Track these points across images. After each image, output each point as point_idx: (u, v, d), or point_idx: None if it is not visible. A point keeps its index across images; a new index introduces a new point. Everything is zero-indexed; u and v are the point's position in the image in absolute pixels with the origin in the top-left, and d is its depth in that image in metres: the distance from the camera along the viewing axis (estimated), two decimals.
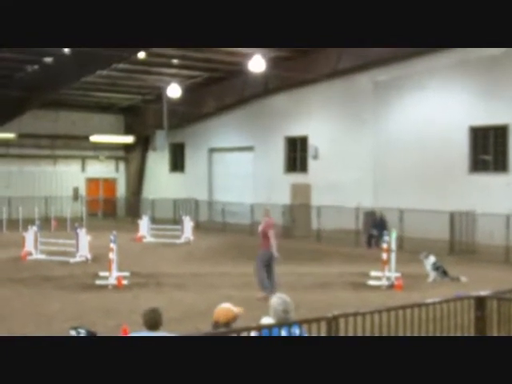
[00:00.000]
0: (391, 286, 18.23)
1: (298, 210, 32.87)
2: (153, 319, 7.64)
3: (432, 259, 19.63)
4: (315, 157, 34.36)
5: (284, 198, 34.50)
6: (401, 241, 24.27)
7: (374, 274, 19.41)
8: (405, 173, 29.97)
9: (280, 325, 7.17)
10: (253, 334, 7.03)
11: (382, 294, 17.29)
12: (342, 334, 7.32)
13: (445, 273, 19.46)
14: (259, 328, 7.14)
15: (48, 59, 30.73)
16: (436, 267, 19.49)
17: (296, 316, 7.63)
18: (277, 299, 7.55)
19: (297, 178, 35.44)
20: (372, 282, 18.82)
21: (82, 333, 8.18)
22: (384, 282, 18.45)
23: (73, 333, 8.44)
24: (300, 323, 7.41)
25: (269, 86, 35.36)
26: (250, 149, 38.24)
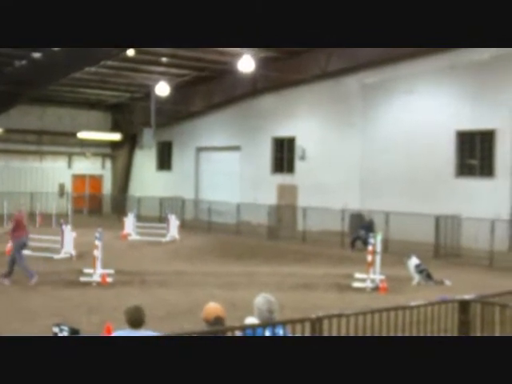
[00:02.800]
0: (376, 289, 18.26)
1: (284, 211, 32.90)
2: (135, 317, 7.62)
3: (415, 261, 19.65)
4: (302, 158, 34.40)
5: (270, 198, 34.53)
6: (386, 243, 24.34)
7: (358, 275, 19.44)
8: (391, 175, 30.06)
9: (264, 325, 7.16)
10: (237, 333, 7.02)
11: (366, 296, 17.32)
12: (325, 335, 7.31)
13: (429, 276, 19.51)
14: (243, 328, 7.12)
15: (37, 54, 30.55)
16: (420, 270, 19.52)
17: (280, 316, 7.63)
18: (261, 299, 7.53)
19: (283, 178, 35.47)
20: (357, 284, 18.84)
21: (65, 330, 8.11)
22: (368, 284, 18.49)
23: (56, 330, 8.36)
24: (284, 324, 7.41)
25: (257, 86, 35.38)
26: (237, 148, 38.24)
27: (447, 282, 19.27)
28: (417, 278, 19.40)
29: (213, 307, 7.70)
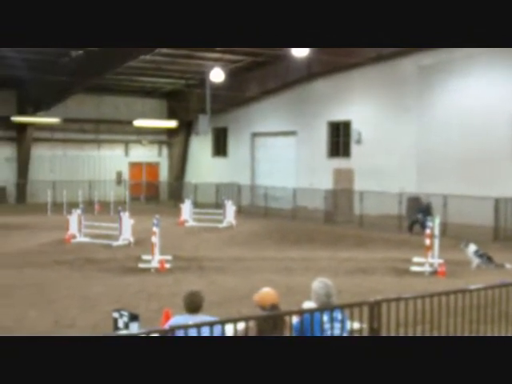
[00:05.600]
0: (434, 273, 18.07)
1: (341, 195, 32.69)
2: (194, 303, 7.67)
3: (472, 248, 19.36)
4: (358, 141, 34.17)
5: (327, 182, 34.38)
6: (444, 227, 24.04)
7: (416, 260, 19.26)
8: (448, 158, 29.66)
9: (322, 309, 7.15)
10: (295, 318, 7.03)
11: (424, 280, 17.15)
12: (384, 319, 7.26)
13: (489, 259, 19.20)
14: (301, 312, 7.13)
15: None
16: (479, 255, 19.24)
17: (338, 301, 7.60)
18: (319, 283, 7.51)
19: (339, 162, 35.28)
20: (415, 268, 18.67)
21: (125, 315, 8.23)
22: (427, 268, 18.30)
23: (116, 315, 8.49)
24: (342, 308, 7.39)
25: (312, 71, 35.19)
26: (292, 133, 38.13)
27: (508, 266, 18.95)
28: (476, 261, 19.11)
29: (268, 294, 7.69)
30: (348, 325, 7.39)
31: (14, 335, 8.95)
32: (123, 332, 8.05)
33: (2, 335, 10.18)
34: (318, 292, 7.44)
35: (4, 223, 29.24)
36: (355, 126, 34.31)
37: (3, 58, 31.92)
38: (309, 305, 7.73)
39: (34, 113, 39.29)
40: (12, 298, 14.97)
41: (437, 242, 18.73)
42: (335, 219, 30.43)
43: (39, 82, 36.61)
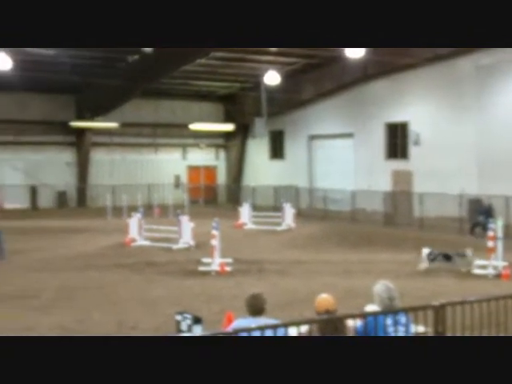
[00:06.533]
0: (498, 275, 17.75)
1: (400, 197, 32.41)
2: (256, 305, 7.65)
3: (425, 251, 19.22)
4: (416, 143, 33.79)
5: (385, 184, 34.10)
6: (507, 229, 23.56)
7: (479, 262, 18.93)
8: (510, 159, 29.09)
9: (386, 312, 7.07)
10: (358, 321, 6.97)
11: (488, 283, 16.88)
12: (449, 322, 7.15)
13: (447, 257, 19.02)
14: (364, 315, 7.06)
15: (148, 49, 31.12)
16: (431, 259, 19.03)
17: (400, 304, 7.50)
18: (381, 286, 7.43)
19: (398, 164, 34.94)
20: (478, 271, 18.36)
21: (188, 318, 8.27)
22: (490, 271, 17.99)
23: (179, 318, 8.53)
24: (406, 311, 7.29)
25: (368, 72, 34.95)
26: (349, 135, 37.92)
27: (468, 252, 18.66)
28: (425, 264, 18.92)
29: (323, 299, 7.64)
30: (412, 328, 7.30)
31: (80, 335, 9.07)
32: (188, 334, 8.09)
33: (66, 335, 10.35)
34: (381, 295, 7.36)
35: (65, 227, 29.75)
36: (413, 128, 33.94)
37: (62, 65, 32.48)
38: (372, 308, 7.64)
39: (92, 118, 39.90)
40: (75, 300, 15.21)
41: (500, 244, 18.39)
42: (395, 221, 30.17)
43: (97, 88, 37.16)
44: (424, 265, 19.02)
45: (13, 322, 12.88)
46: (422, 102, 33.71)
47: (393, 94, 34.80)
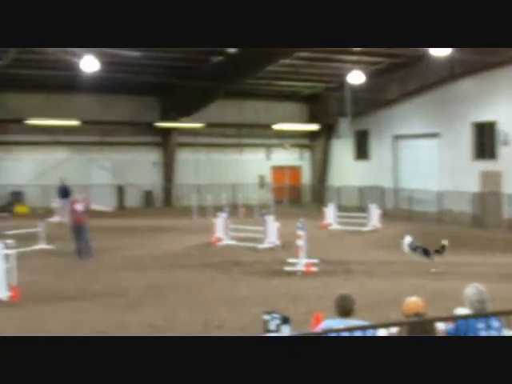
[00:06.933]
0: None
1: (488, 199, 31.74)
2: (345, 306, 7.64)
3: (408, 239, 19.38)
4: (505, 143, 33.00)
5: (472, 185, 33.43)
6: None
7: None
8: None
9: (477, 316, 6.96)
10: (448, 324, 6.88)
11: None
12: None
13: (425, 251, 19.02)
14: (455, 318, 6.97)
15: (232, 50, 31.32)
16: (413, 248, 19.14)
17: (492, 308, 7.36)
18: (472, 289, 7.32)
19: (486, 165, 34.20)
20: None
21: (276, 318, 8.29)
22: None
23: (267, 318, 8.56)
24: (497, 315, 7.15)
25: (454, 71, 34.33)
26: (435, 135, 37.31)
27: (444, 241, 18.73)
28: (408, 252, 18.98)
29: (412, 302, 7.57)
30: (505, 333, 7.15)
31: (169, 335, 9.26)
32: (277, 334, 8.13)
33: (155, 335, 10.54)
34: (471, 298, 7.27)
35: (152, 226, 30.24)
36: (501, 127, 33.17)
37: (148, 66, 33.02)
38: (461, 311, 7.53)
39: (177, 118, 40.43)
40: (162, 299, 15.45)
41: None
42: (483, 223, 29.57)
43: (182, 89, 37.62)
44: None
45: (104, 320, 13.18)
46: (511, 100, 32.91)
47: (480, 93, 34.07)
